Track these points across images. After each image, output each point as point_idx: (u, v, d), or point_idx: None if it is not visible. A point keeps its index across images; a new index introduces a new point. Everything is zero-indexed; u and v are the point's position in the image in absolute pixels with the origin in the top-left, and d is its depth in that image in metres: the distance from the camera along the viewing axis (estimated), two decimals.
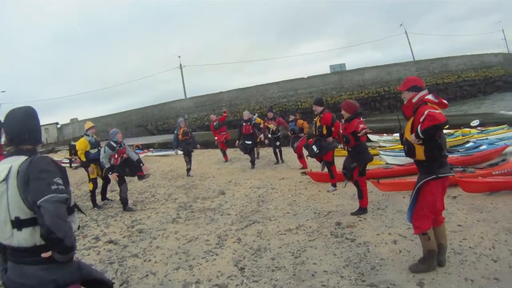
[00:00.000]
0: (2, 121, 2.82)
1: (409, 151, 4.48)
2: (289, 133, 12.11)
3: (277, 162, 13.38)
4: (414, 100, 4.41)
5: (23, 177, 2.43)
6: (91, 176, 9.47)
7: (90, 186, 9.55)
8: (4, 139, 3.04)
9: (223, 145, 15.50)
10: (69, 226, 2.44)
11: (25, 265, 2.49)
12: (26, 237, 2.44)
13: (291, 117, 12.07)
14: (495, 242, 5.05)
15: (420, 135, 4.13)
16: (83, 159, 9.49)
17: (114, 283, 3.24)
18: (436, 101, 4.31)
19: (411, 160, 4.86)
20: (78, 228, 2.79)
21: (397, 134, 15.76)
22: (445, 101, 4.36)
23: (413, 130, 4.31)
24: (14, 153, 2.61)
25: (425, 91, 4.40)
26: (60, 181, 2.49)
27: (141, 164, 9.02)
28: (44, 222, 2.29)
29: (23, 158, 2.54)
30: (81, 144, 9.54)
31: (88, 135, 9.70)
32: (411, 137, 4.31)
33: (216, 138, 15.71)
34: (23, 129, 2.66)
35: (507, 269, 4.32)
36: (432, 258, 4.41)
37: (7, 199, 2.44)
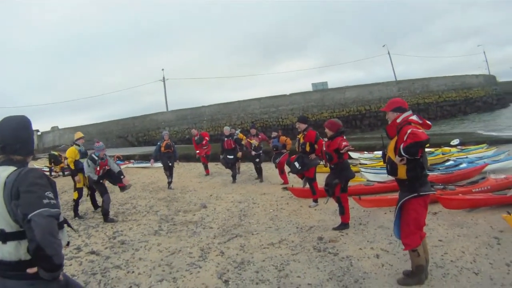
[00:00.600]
0: None
1: (392, 170, 4.60)
2: (272, 149, 12.11)
3: (258, 178, 13.31)
4: (398, 120, 4.55)
5: (11, 189, 2.35)
6: (78, 185, 9.48)
7: (75, 195, 9.53)
8: None
9: (205, 159, 15.53)
10: (59, 243, 2.34)
11: (9, 280, 2.39)
12: (10, 251, 2.35)
13: (274, 134, 12.15)
14: (476, 256, 5.21)
15: (402, 153, 4.23)
16: (72, 167, 9.61)
17: None
18: (420, 122, 4.46)
19: (392, 178, 4.99)
20: (68, 245, 2.74)
21: (378, 152, 16.06)
22: (428, 122, 4.53)
23: (396, 149, 4.42)
24: (4, 163, 2.52)
25: (409, 112, 4.57)
26: (51, 195, 2.42)
27: (122, 176, 9.02)
28: (34, 237, 2.21)
29: (11, 169, 2.46)
30: (71, 153, 9.67)
31: (78, 145, 9.86)
32: (395, 158, 4.41)
33: (197, 152, 15.76)
34: (15, 139, 2.57)
35: (488, 281, 4.46)
36: (421, 273, 4.52)
37: None
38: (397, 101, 4.79)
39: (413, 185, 4.41)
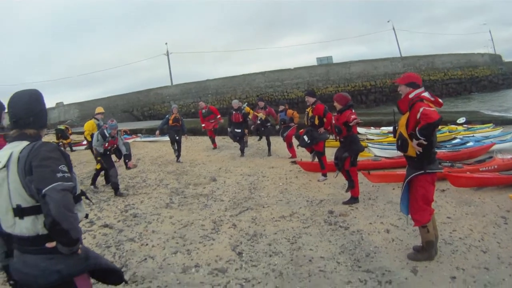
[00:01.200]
0: (6, 104, 2.76)
1: (402, 145, 4.59)
2: (279, 123, 12.06)
3: (268, 153, 13.27)
4: (410, 96, 4.52)
5: (24, 163, 2.33)
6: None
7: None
8: (8, 122, 2.98)
9: (212, 132, 15.44)
10: (75, 217, 2.33)
11: (28, 255, 2.39)
12: (28, 226, 2.34)
13: (281, 107, 12.05)
14: (483, 235, 5.25)
15: (418, 135, 4.23)
16: (89, 139, 9.82)
17: (123, 272, 3.22)
18: (432, 99, 4.43)
19: (400, 154, 4.99)
20: (86, 217, 2.74)
21: (385, 128, 16.06)
22: (440, 100, 4.50)
23: (408, 125, 4.43)
24: (17, 138, 2.50)
25: (422, 89, 4.52)
26: (65, 168, 2.40)
27: (127, 161, 9.21)
28: (49, 212, 2.18)
29: (24, 143, 2.43)
30: (89, 126, 9.95)
31: (97, 119, 10.06)
32: (411, 142, 4.40)
33: (203, 125, 15.69)
34: (27, 112, 2.53)
35: (496, 260, 4.49)
36: (431, 249, 4.57)
37: (8, 186, 2.34)
38: (412, 76, 4.76)
39: (421, 162, 4.43)
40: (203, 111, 15.44)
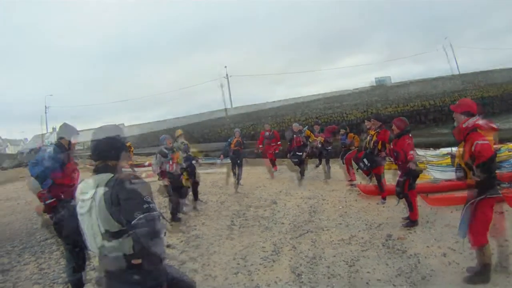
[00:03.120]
0: (92, 136, 3.04)
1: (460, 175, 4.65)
2: (341, 146, 12.04)
3: (327, 176, 13.17)
4: (464, 125, 4.55)
5: (110, 195, 2.56)
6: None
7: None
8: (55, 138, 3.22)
9: (272, 155, 15.47)
10: (162, 240, 2.53)
11: (115, 271, 2.64)
12: (116, 246, 2.59)
13: (342, 131, 12.07)
14: None
15: (477, 173, 4.31)
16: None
17: (195, 283, 3.42)
18: (486, 127, 4.46)
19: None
20: (164, 234, 2.95)
21: (444, 149, 15.66)
22: (494, 126, 4.51)
23: (464, 156, 4.50)
24: (101, 169, 2.78)
25: (477, 117, 4.54)
26: (149, 198, 2.59)
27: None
28: (138, 240, 2.42)
29: (108, 175, 2.70)
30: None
31: (177, 142, 10.21)
32: (470, 176, 4.48)
33: (260, 146, 15.87)
34: (110, 146, 2.85)
35: None
36: (487, 272, 4.53)
37: (96, 214, 2.60)
38: (467, 103, 4.79)
39: (482, 188, 4.42)
40: (266, 133, 15.57)
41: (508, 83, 47.80)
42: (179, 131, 10.61)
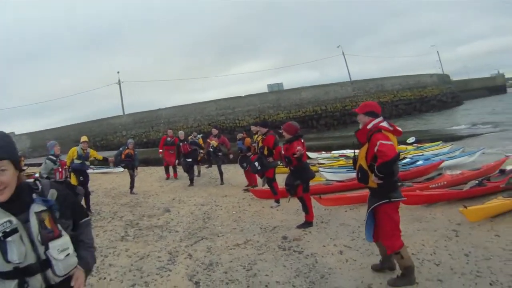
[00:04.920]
0: None
1: (362, 178, 4.72)
2: (238, 151, 12.20)
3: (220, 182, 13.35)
4: (369, 127, 4.61)
5: None
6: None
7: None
8: None
9: (173, 162, 15.40)
10: None
11: None
12: None
13: (239, 135, 12.24)
14: (435, 248, 5.59)
15: (376, 173, 4.39)
16: (68, 164, 9.84)
17: None
18: (391, 129, 4.57)
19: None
20: None
21: (336, 152, 16.50)
22: (399, 129, 4.63)
23: (367, 157, 4.57)
24: None
25: (380, 118, 4.64)
26: None
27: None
28: None
29: None
30: (71, 152, 10.17)
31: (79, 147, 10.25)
32: (372, 178, 4.54)
33: (160, 151, 15.68)
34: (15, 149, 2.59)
35: (449, 271, 4.81)
36: (411, 274, 4.55)
37: None
38: (371, 104, 4.88)
39: (383, 191, 4.51)
40: (168, 139, 15.40)
41: (398, 90, 51.20)
42: (84, 137, 10.62)
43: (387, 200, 4.48)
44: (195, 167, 14.32)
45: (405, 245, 4.72)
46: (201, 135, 15.91)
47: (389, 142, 4.36)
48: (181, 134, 14.21)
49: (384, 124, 4.57)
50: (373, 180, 4.53)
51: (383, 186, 4.49)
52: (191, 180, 13.58)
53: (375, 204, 4.57)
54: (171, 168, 15.73)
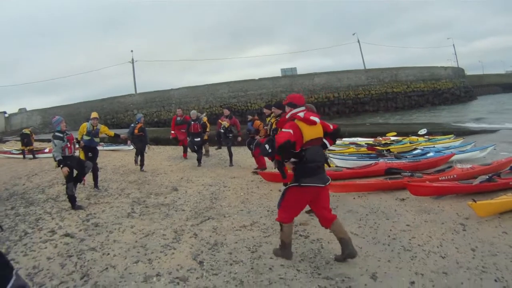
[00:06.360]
0: None
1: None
2: (246, 133, 12.08)
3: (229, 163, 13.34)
4: (287, 116, 5.14)
5: None
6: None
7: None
8: None
9: (186, 141, 15.14)
10: None
11: None
12: None
13: (249, 117, 12.12)
14: (442, 241, 5.51)
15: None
16: (79, 138, 9.96)
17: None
18: (302, 117, 4.91)
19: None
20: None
21: (346, 139, 16.42)
22: (313, 119, 4.94)
23: None
24: None
25: (300, 108, 5.07)
26: None
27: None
28: None
29: None
30: (81, 128, 10.16)
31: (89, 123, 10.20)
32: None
33: (172, 132, 15.70)
34: None
35: (454, 265, 4.74)
36: (285, 248, 5.10)
37: None
38: (292, 96, 5.30)
39: (295, 175, 4.90)
40: (178, 118, 15.43)
41: (412, 81, 50.79)
42: (94, 114, 10.47)
43: (297, 184, 4.84)
44: (203, 147, 14.23)
45: (412, 236, 5.13)
46: (204, 114, 15.82)
47: (287, 130, 4.80)
48: (193, 113, 14.04)
49: (300, 114, 4.95)
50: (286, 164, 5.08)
51: (294, 170, 4.92)
52: (199, 160, 13.58)
53: (288, 185, 5.02)
54: (182, 148, 15.73)
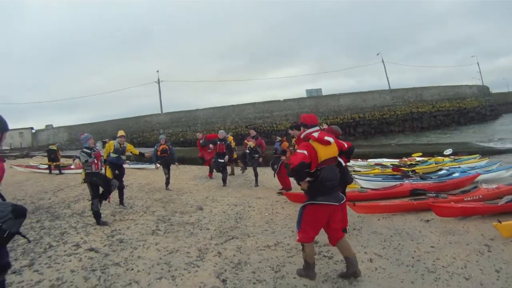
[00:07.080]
0: None
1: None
2: (272, 152, 12.07)
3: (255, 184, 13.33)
4: (302, 136, 5.18)
5: None
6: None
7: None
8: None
9: (210, 161, 15.31)
10: None
11: None
12: None
13: (278, 138, 12.08)
14: (467, 262, 5.40)
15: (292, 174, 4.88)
16: (105, 157, 10.14)
17: None
18: (316, 137, 4.92)
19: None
20: None
21: (372, 160, 16.34)
22: (327, 139, 4.94)
23: None
24: None
25: (314, 128, 5.10)
26: None
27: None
28: None
29: None
30: (108, 146, 10.38)
31: (116, 141, 10.44)
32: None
33: (200, 154, 16.04)
34: None
35: (478, 286, 4.67)
36: (308, 269, 4.97)
37: None
38: (304, 116, 5.36)
39: (310, 193, 4.91)
40: (201, 141, 15.77)
41: (437, 100, 50.40)
42: (121, 132, 10.71)
43: (312, 202, 4.87)
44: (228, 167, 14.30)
45: (436, 257, 5.11)
46: (230, 133, 16.00)
47: (302, 151, 4.82)
48: (221, 133, 14.15)
49: (315, 134, 4.97)
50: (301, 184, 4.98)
51: (309, 189, 4.92)
52: (224, 180, 13.61)
53: (304, 203, 5.01)
54: (208, 167, 15.88)
